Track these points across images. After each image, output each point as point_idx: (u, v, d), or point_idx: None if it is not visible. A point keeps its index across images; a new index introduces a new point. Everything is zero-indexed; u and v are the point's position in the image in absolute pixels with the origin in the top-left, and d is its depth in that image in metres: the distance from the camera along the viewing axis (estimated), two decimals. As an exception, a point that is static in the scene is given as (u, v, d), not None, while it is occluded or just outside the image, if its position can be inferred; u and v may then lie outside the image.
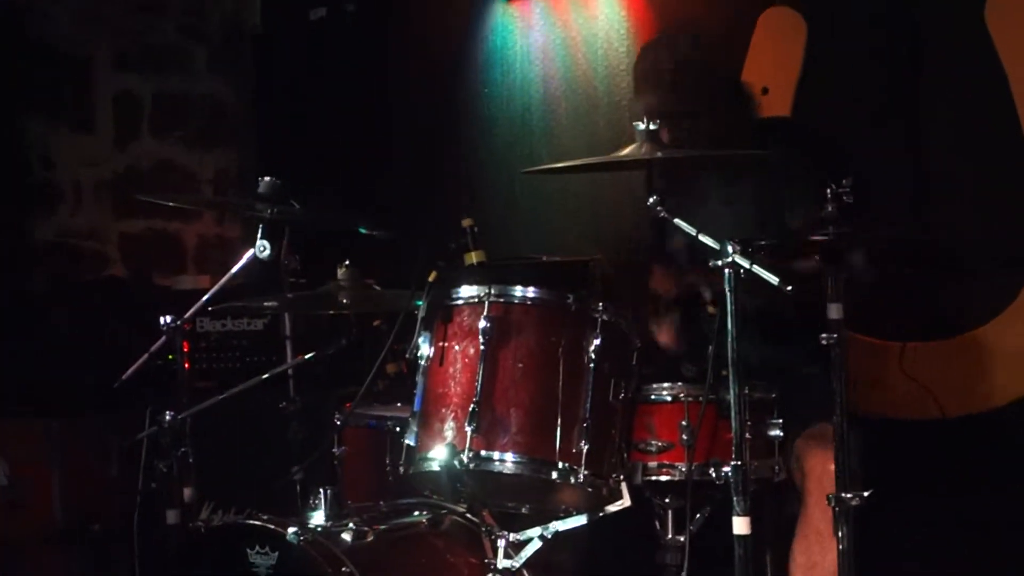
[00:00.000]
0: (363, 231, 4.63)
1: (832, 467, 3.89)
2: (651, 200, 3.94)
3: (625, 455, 3.96)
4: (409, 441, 3.98)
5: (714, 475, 3.85)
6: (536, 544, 4.06)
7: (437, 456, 3.86)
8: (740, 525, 3.62)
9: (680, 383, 4.02)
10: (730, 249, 3.64)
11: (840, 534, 3.72)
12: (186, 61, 7.78)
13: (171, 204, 5.94)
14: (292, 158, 7.33)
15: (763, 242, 3.71)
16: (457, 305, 4.02)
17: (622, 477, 3.94)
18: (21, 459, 5.83)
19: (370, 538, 3.97)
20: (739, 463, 3.64)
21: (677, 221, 3.89)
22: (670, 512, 4.18)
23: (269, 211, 4.36)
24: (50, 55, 7.16)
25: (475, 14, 7.04)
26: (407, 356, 4.18)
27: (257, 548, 3.83)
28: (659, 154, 3.94)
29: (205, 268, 7.63)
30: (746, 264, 3.62)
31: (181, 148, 7.75)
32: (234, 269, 4.43)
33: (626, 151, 3.99)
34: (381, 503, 4.25)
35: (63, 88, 7.26)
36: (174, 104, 7.72)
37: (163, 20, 7.67)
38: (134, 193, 6.85)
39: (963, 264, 5.39)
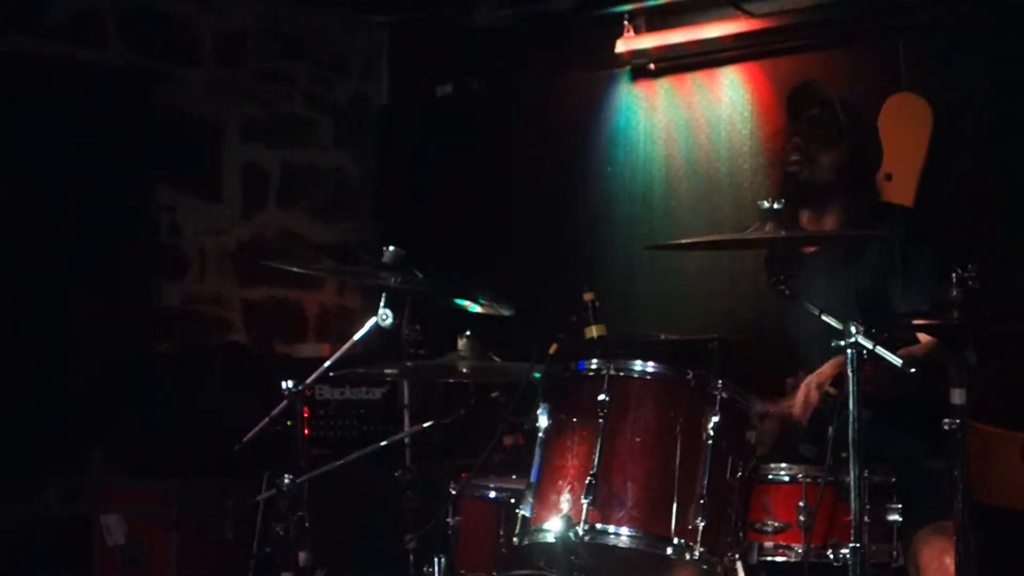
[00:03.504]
0: (480, 304, 4.64)
1: (948, 561, 3.83)
2: (772, 279, 3.95)
3: (741, 534, 3.93)
4: (524, 512, 3.98)
5: (832, 557, 3.81)
6: (650, 620, 4.04)
7: (552, 528, 3.85)
8: (857, 609, 3.59)
9: (798, 463, 3.99)
10: (853, 330, 3.62)
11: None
12: (313, 133, 7.90)
13: (294, 270, 5.96)
14: (414, 232, 7.40)
15: (890, 324, 3.70)
16: (577, 378, 4.03)
17: (737, 556, 3.90)
18: (140, 519, 5.91)
19: (482, 608, 3.97)
20: (858, 546, 3.60)
21: (803, 301, 3.90)
22: (785, 593, 4.13)
23: (392, 280, 4.41)
24: (181, 122, 7.30)
25: (600, 93, 7.12)
26: (524, 428, 4.18)
27: (371, 614, 3.84)
28: (783, 233, 3.93)
29: (325, 337, 7.71)
30: (869, 345, 3.60)
31: (306, 219, 7.86)
32: (357, 336, 4.47)
33: (750, 230, 4.00)
34: (494, 574, 4.24)
35: (192, 155, 7.39)
36: (300, 175, 7.83)
37: (292, 91, 7.80)
38: (258, 261, 6.93)
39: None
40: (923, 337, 4.24)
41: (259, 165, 7.67)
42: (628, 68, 7.04)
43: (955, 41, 5.88)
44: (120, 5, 7.08)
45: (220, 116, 7.52)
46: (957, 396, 3.68)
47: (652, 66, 6.96)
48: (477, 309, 4.66)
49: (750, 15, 6.48)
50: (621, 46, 6.92)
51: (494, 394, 4.92)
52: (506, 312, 4.63)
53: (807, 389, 4.16)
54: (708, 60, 6.77)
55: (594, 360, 4.01)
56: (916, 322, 4.04)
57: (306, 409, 4.57)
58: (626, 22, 6.90)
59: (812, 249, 4.62)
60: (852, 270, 4.47)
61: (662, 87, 6.95)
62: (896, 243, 4.37)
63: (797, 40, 6.47)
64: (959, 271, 3.68)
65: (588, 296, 4.25)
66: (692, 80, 6.85)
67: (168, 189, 7.27)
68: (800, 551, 3.87)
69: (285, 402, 4.49)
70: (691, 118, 6.81)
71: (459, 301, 4.66)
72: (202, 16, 7.44)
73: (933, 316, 3.83)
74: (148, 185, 7.17)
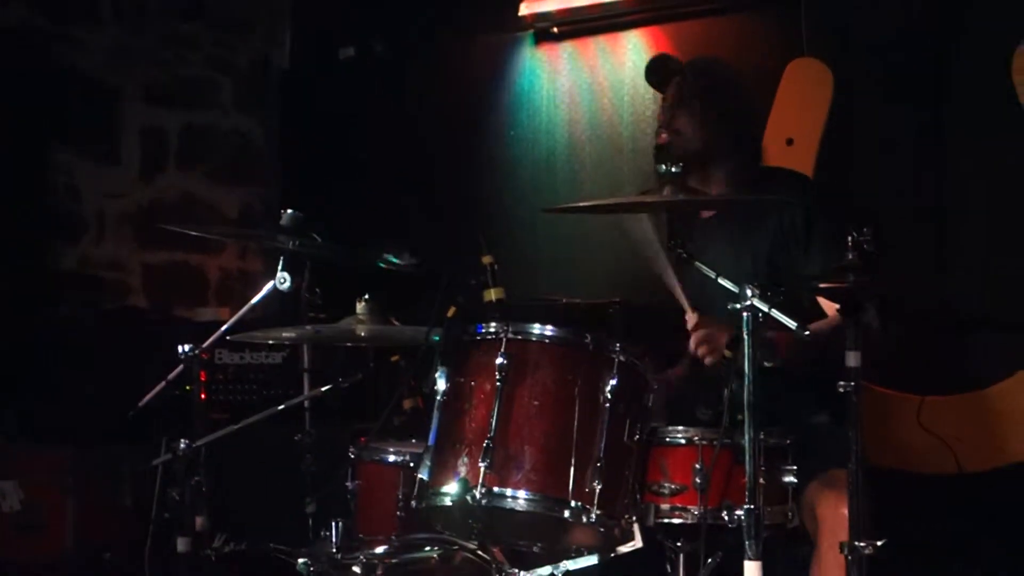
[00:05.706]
0: (391, 260, 4.60)
1: (844, 512, 3.85)
2: (671, 242, 3.96)
3: (638, 496, 3.93)
4: (422, 475, 3.97)
5: (727, 519, 3.80)
6: (547, 583, 4.04)
7: (450, 491, 3.84)
8: (751, 570, 3.60)
9: (695, 426, 4.00)
10: (749, 293, 3.63)
11: (853, 583, 3.69)
12: (214, 96, 7.83)
13: (193, 234, 5.88)
14: (316, 194, 7.36)
15: (782, 287, 3.71)
16: (475, 341, 4.01)
17: (634, 518, 3.91)
18: (36, 485, 5.83)
19: (380, 572, 3.97)
20: (752, 507, 3.62)
21: (698, 264, 3.91)
22: (682, 555, 4.12)
23: (291, 243, 4.38)
24: (80, 85, 7.20)
25: (503, 57, 7.09)
26: (424, 391, 4.18)
27: (267, 578, 3.83)
28: (680, 196, 3.94)
29: (226, 301, 7.65)
30: (764, 308, 3.61)
31: (206, 182, 7.78)
32: (254, 300, 4.44)
33: (647, 193, 4.00)
34: (393, 537, 4.24)
35: (91, 118, 7.29)
36: (200, 138, 7.76)
37: (193, 54, 7.71)
38: (158, 225, 6.86)
39: (984, 320, 5.39)
40: (829, 309, 4.30)
41: (159, 128, 7.58)
42: (531, 31, 7.02)
43: (857, 6, 5.91)
44: (16, -35, 6.98)
45: (119, 78, 7.42)
46: (852, 359, 3.70)
47: (555, 29, 6.95)
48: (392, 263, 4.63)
49: (653, -22, 6.49)
50: (524, 9, 6.90)
51: (394, 358, 4.90)
52: (411, 261, 4.59)
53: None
54: (611, 24, 6.76)
55: (492, 323, 3.99)
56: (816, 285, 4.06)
57: (203, 373, 4.55)
58: (530, -15, 6.89)
59: (709, 214, 4.63)
60: (751, 236, 4.49)
61: (565, 51, 6.94)
62: (799, 209, 4.39)
63: (700, 4, 6.48)
64: (854, 235, 3.70)
65: (486, 259, 4.22)
66: (595, 44, 6.84)
67: (65, 151, 7.17)
68: (696, 513, 3.89)
69: (181, 366, 4.46)
70: (594, 82, 6.81)
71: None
72: (102, -24, 7.35)
73: (828, 280, 3.84)
74: (43, 147, 7.06)
